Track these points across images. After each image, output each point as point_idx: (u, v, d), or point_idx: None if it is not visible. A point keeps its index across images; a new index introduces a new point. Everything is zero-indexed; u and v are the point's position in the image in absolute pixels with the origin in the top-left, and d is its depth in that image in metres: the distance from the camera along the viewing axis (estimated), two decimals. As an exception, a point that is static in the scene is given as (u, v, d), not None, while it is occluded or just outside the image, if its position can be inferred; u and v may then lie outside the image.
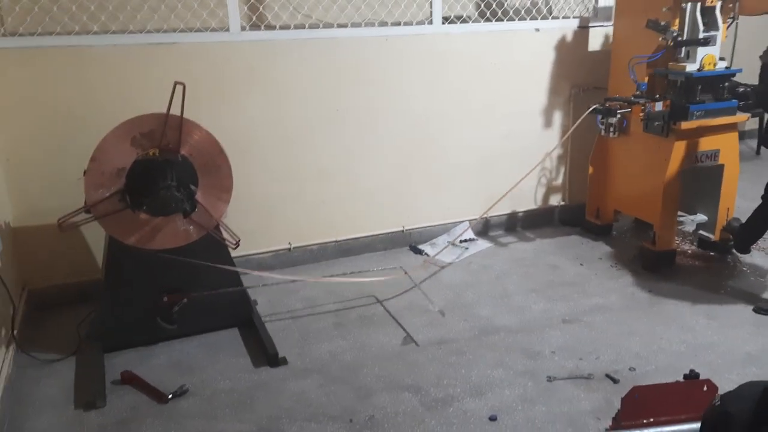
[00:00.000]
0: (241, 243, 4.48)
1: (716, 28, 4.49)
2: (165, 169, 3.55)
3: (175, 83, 3.42)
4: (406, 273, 4.47)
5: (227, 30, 4.39)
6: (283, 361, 3.71)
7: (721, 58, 4.58)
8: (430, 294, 4.45)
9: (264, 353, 3.76)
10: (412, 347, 3.85)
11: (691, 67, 4.48)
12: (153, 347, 3.87)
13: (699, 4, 4.42)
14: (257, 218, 4.75)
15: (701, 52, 4.47)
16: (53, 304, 4.33)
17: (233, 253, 4.03)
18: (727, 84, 4.59)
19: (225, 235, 3.82)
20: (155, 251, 3.61)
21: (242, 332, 4.04)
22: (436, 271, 4.85)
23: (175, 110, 3.51)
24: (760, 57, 4.21)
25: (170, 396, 3.39)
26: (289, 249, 4.94)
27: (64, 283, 4.39)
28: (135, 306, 3.76)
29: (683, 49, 4.52)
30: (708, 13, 4.48)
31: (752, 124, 7.24)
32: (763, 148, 4.43)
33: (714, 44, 4.49)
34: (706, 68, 4.48)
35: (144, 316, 3.78)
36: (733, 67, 4.67)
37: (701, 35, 4.43)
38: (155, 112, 3.59)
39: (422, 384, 3.49)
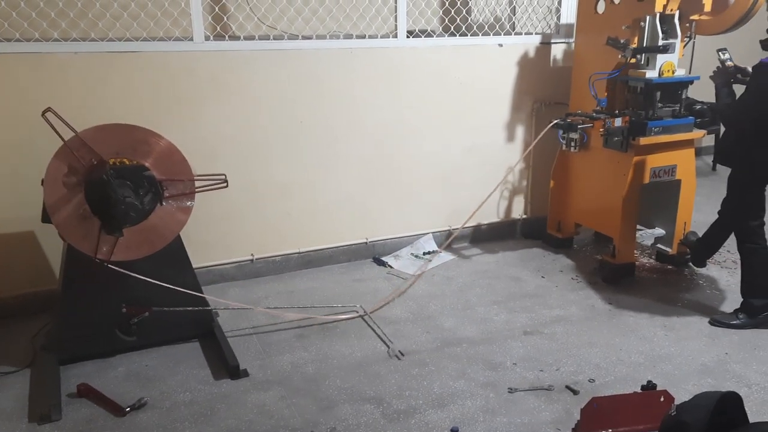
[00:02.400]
0: (203, 254, 4.46)
1: (675, 36, 4.59)
2: (148, 190, 3.56)
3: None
4: (366, 314, 4.39)
5: (191, 39, 4.36)
6: (245, 373, 3.67)
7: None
8: (393, 306, 4.46)
9: (225, 365, 3.71)
10: (375, 358, 3.85)
11: (650, 74, 4.59)
12: (111, 359, 3.80)
13: (658, 14, 4.52)
14: (220, 229, 4.71)
15: (660, 59, 4.57)
16: (8, 315, 4.23)
17: (195, 264, 3.99)
18: (684, 96, 4.70)
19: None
20: (117, 263, 3.55)
21: (203, 344, 3.99)
22: (399, 275, 4.86)
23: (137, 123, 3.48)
24: (711, 77, 4.32)
25: (128, 409, 3.33)
26: (252, 260, 4.91)
27: (19, 293, 4.29)
28: (93, 317, 3.69)
29: (643, 56, 4.61)
30: (667, 21, 4.58)
31: (708, 140, 7.41)
32: (718, 166, 4.58)
33: (673, 51, 4.60)
34: (665, 75, 4.59)
35: (102, 328, 3.71)
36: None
37: (660, 42, 4.53)
38: (117, 122, 3.58)
39: (384, 396, 3.48)
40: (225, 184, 3.77)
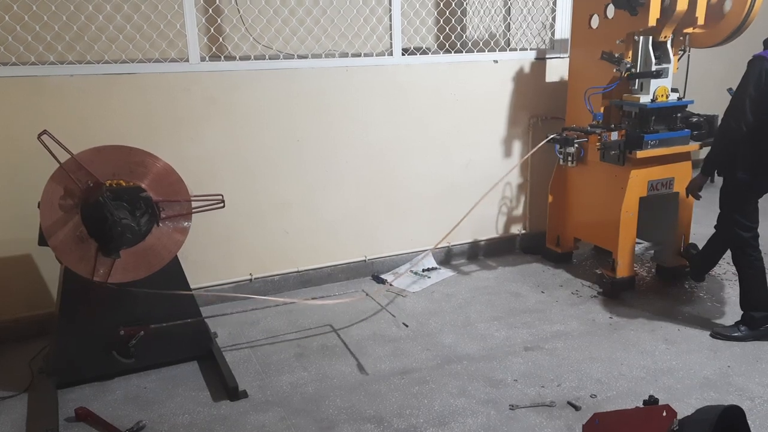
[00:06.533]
0: (201, 274, 4.45)
1: (668, 61, 4.63)
2: (144, 211, 3.54)
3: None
4: (367, 295, 4.43)
5: (186, 60, 4.37)
6: (244, 394, 3.64)
7: (674, 90, 4.70)
8: (392, 323, 4.45)
9: (224, 386, 3.69)
10: (374, 377, 3.82)
11: (644, 99, 4.61)
12: (109, 382, 3.78)
13: (651, 38, 4.55)
14: (218, 249, 4.70)
15: (654, 84, 4.59)
16: (5, 339, 4.20)
17: (193, 284, 3.97)
18: (680, 114, 4.72)
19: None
20: (116, 285, 3.54)
21: (201, 365, 3.97)
22: (399, 293, 4.84)
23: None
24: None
25: (126, 432, 3.31)
26: (251, 280, 4.89)
27: (16, 316, 4.27)
28: (90, 340, 3.67)
29: (637, 81, 4.64)
30: (660, 46, 4.61)
31: (706, 152, 7.43)
32: (716, 176, 4.58)
33: (666, 76, 4.63)
34: (659, 99, 4.61)
35: (100, 350, 3.69)
36: (685, 99, 4.80)
37: (654, 68, 4.55)
38: (114, 143, 3.57)
39: (385, 414, 3.46)
40: (221, 204, 3.76)
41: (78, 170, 3.41)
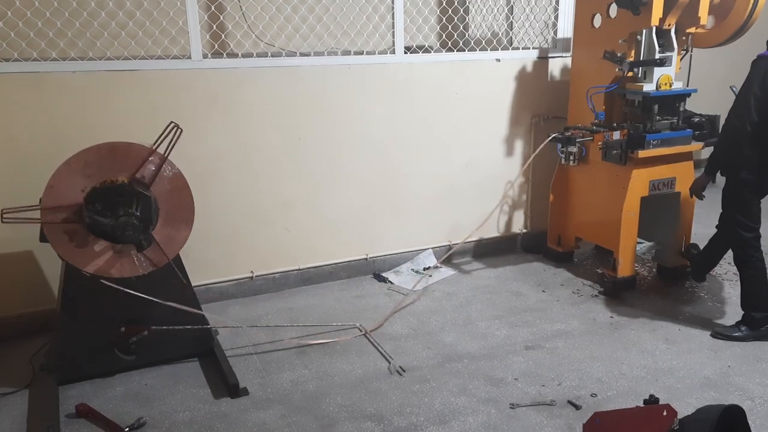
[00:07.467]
0: (203, 271, 4.43)
1: (671, 49, 4.61)
2: (131, 196, 3.49)
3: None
4: (365, 333, 4.33)
5: (189, 57, 4.36)
6: (244, 392, 3.65)
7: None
8: (394, 322, 4.45)
9: (224, 383, 3.69)
10: (375, 375, 3.83)
11: (648, 87, 4.60)
12: (110, 379, 3.78)
13: (654, 27, 4.53)
14: (219, 247, 4.70)
15: (657, 72, 4.58)
16: (7, 336, 4.20)
17: (194, 282, 3.97)
18: (683, 107, 4.71)
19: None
20: (112, 281, 3.53)
21: (203, 362, 3.97)
22: (399, 291, 4.84)
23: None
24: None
25: (127, 429, 3.31)
26: (252, 277, 4.89)
27: (18, 313, 4.27)
28: (92, 337, 3.67)
29: (640, 69, 4.63)
30: (663, 35, 4.60)
31: (707, 152, 7.41)
32: (718, 176, 4.58)
33: (670, 65, 4.62)
34: (663, 88, 4.60)
35: (101, 347, 3.70)
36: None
37: (657, 56, 4.54)
38: (115, 140, 3.55)
39: (385, 413, 3.46)
40: (179, 130, 3.56)
41: (56, 211, 3.39)
